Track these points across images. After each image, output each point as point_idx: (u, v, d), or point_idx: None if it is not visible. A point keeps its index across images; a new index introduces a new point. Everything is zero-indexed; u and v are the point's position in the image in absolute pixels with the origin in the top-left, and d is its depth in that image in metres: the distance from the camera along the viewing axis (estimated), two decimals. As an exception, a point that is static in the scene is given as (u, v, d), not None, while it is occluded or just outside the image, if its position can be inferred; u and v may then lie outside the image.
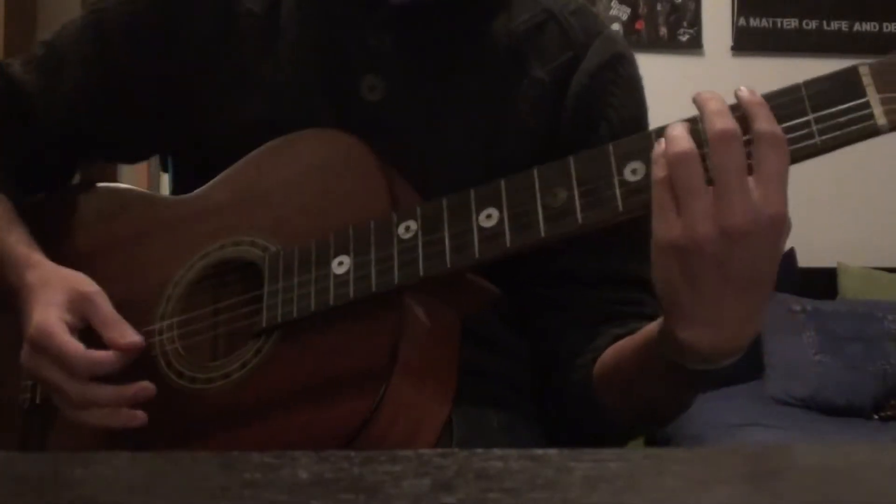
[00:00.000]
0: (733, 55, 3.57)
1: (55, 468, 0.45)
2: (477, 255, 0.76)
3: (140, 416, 0.82)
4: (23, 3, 2.65)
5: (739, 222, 0.66)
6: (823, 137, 0.68)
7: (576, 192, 0.74)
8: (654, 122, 1.01)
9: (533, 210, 0.75)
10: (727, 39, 3.57)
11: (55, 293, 0.86)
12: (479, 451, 0.44)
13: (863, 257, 3.42)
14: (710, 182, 0.67)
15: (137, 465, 0.45)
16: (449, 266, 0.77)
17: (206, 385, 0.83)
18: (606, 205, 0.73)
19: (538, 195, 0.75)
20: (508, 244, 0.75)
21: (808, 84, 0.70)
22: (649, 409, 0.88)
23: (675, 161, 0.68)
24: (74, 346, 0.83)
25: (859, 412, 2.93)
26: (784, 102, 0.70)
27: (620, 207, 0.72)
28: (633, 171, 0.73)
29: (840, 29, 3.58)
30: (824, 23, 3.58)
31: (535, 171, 0.76)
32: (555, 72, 0.96)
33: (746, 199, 0.66)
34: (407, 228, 0.79)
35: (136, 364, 0.84)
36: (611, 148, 0.74)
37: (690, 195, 0.67)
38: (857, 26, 3.59)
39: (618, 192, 0.73)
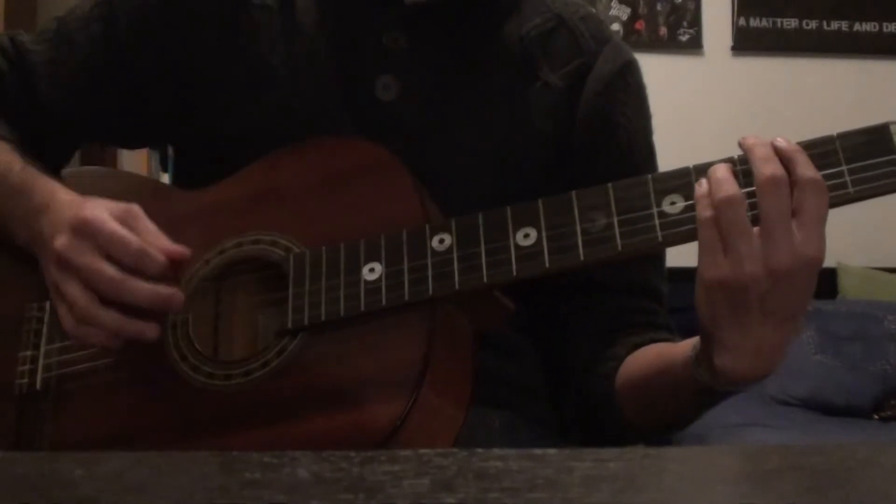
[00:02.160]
0: (733, 55, 3.57)
1: (55, 468, 0.45)
2: (515, 273, 0.77)
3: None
4: (23, 2, 2.65)
5: (785, 263, 0.70)
6: (857, 188, 0.72)
7: (615, 220, 0.76)
8: (654, 122, 1.02)
9: (572, 233, 0.77)
10: (727, 39, 3.57)
11: (99, 202, 0.86)
12: (479, 451, 0.44)
13: (863, 257, 3.42)
14: (754, 222, 0.71)
15: (137, 465, 0.45)
16: (486, 281, 0.78)
17: (223, 382, 0.82)
18: (646, 234, 0.76)
19: (577, 219, 0.77)
20: (547, 265, 0.77)
21: (842, 136, 0.74)
22: (669, 422, 0.91)
23: (723, 204, 0.71)
24: (126, 232, 0.82)
25: (859, 412, 2.93)
26: (818, 153, 0.73)
27: (659, 238, 0.75)
28: (671, 204, 0.76)
29: (840, 29, 3.58)
30: (824, 23, 3.57)
31: (574, 195, 0.78)
32: (567, 77, 0.97)
33: (791, 241, 0.70)
34: (441, 241, 0.80)
35: (148, 355, 0.84)
36: (650, 179, 0.77)
37: (738, 236, 0.71)
38: (857, 26, 3.59)
39: (657, 222, 0.75)
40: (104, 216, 0.83)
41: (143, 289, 0.82)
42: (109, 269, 0.82)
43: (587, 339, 0.95)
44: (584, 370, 0.94)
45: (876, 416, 2.94)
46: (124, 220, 0.84)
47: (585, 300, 0.96)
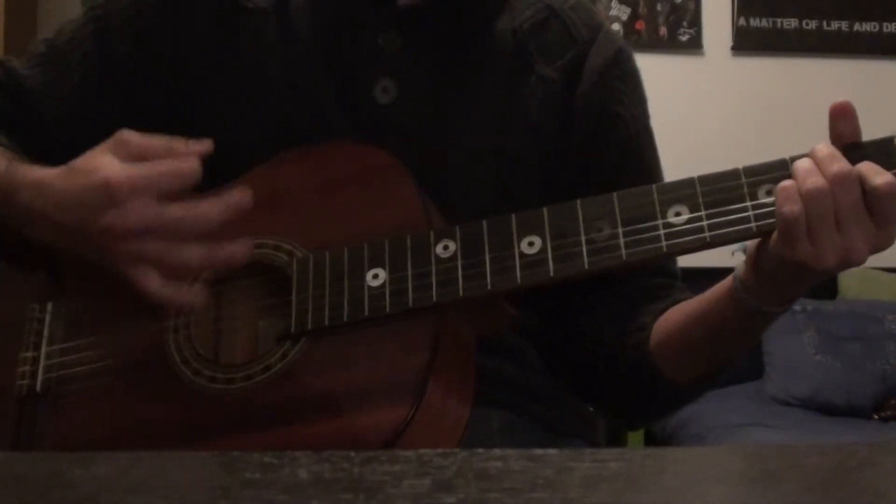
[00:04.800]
0: (733, 55, 3.56)
1: (55, 468, 0.45)
2: (519, 281, 0.78)
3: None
4: (23, 3, 2.65)
5: (860, 254, 0.74)
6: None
7: (620, 230, 0.78)
8: (654, 122, 1.03)
9: (576, 242, 0.78)
10: (727, 39, 3.56)
11: (90, 160, 0.82)
12: (479, 451, 0.44)
13: (863, 257, 3.41)
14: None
15: (137, 465, 0.45)
16: (490, 289, 0.78)
17: (225, 385, 0.82)
18: (651, 244, 0.77)
19: (582, 228, 0.78)
20: (552, 273, 0.78)
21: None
22: (717, 362, 0.91)
23: (811, 197, 0.73)
24: (155, 163, 0.79)
25: (859, 412, 2.93)
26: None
27: (664, 249, 0.77)
28: (676, 214, 0.77)
29: (840, 29, 3.57)
30: (824, 23, 3.57)
31: (579, 204, 0.79)
32: (562, 69, 0.97)
33: (866, 235, 0.74)
34: (445, 248, 0.80)
35: (149, 358, 0.84)
36: (655, 189, 0.78)
37: (823, 229, 0.74)
38: (857, 26, 3.58)
39: (662, 233, 0.77)
40: (118, 169, 0.79)
41: (213, 200, 0.80)
42: (173, 207, 0.79)
43: (608, 322, 0.95)
44: (611, 350, 0.94)
45: (876, 416, 2.94)
46: (128, 153, 0.80)
47: (601, 289, 0.96)
